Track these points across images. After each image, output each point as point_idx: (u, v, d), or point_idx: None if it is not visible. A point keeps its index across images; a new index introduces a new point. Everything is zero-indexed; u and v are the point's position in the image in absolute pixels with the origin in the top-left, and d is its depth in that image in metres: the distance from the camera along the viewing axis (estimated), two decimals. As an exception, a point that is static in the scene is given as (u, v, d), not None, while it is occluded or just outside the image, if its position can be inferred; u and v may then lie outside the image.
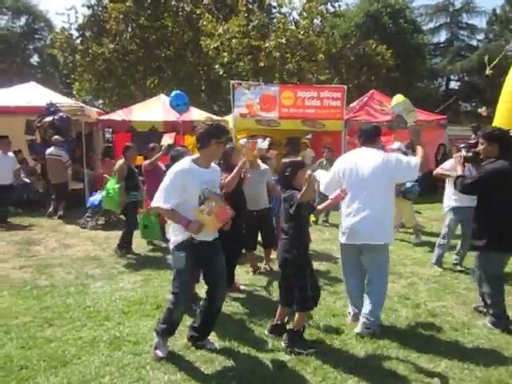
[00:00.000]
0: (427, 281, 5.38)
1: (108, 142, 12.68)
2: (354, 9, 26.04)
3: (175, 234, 3.40)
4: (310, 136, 13.76)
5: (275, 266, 5.43)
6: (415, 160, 3.93)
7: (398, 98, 5.65)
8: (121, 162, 6.43)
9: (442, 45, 33.12)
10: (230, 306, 4.47)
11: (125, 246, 6.45)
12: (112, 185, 6.33)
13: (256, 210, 5.36)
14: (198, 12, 16.46)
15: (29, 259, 6.21)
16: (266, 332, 3.81)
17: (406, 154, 7.81)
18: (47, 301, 4.61)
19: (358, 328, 3.83)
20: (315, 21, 17.76)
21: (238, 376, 3.20)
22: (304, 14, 15.28)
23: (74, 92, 19.61)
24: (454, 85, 33.06)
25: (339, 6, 18.62)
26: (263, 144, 5.20)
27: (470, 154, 4.24)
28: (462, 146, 6.28)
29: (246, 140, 6.20)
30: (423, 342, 3.72)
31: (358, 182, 3.86)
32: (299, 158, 3.82)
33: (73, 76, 18.50)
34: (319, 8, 15.54)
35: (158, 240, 7.00)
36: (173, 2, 16.66)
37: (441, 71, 31.04)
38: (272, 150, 11.71)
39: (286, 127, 11.79)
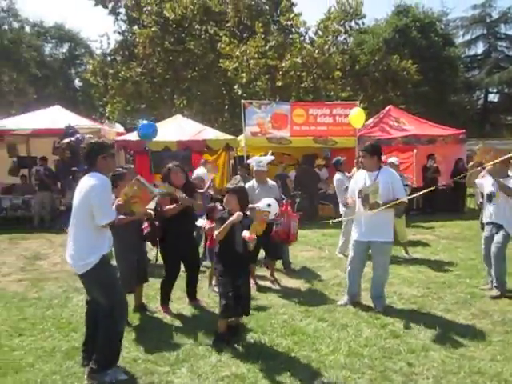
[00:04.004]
0: (406, 301, 5.26)
1: (128, 163, 13.20)
2: (382, 25, 25.84)
3: (89, 255, 3.29)
4: (328, 153, 13.69)
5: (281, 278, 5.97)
6: None
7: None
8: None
9: (479, 57, 32.17)
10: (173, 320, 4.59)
11: None
12: None
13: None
14: (220, 34, 16.98)
15: (29, 273, 6.62)
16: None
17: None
18: (28, 312, 4.92)
19: None
20: (338, 38, 17.92)
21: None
22: (319, 32, 15.44)
23: (107, 114, 20.61)
24: (492, 97, 31.92)
25: (363, 23, 18.60)
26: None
27: None
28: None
29: (254, 158, 6.37)
30: (370, 363, 3.67)
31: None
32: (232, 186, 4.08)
33: (104, 99, 19.50)
34: (336, 27, 15.65)
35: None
36: (196, 26, 17.32)
37: (478, 84, 30.10)
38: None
39: (297, 145, 11.87)
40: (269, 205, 4.02)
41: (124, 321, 3.56)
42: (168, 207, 4.62)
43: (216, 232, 3.96)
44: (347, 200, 5.40)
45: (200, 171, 10.31)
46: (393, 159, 7.48)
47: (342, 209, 7.60)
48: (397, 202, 4.74)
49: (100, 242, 3.37)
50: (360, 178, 5.04)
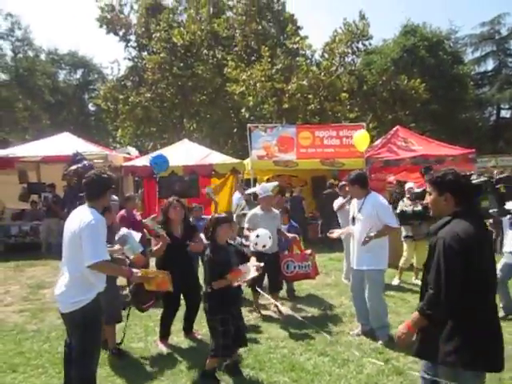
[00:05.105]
0: (412, 332, 5.06)
1: (139, 187, 13.25)
2: (390, 45, 25.97)
3: (82, 292, 3.20)
4: (336, 173, 13.57)
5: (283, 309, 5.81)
6: None
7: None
8: None
9: (489, 73, 32.01)
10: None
11: None
12: None
13: (267, 254, 5.30)
14: (228, 58, 17.20)
15: (31, 303, 6.58)
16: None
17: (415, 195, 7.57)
18: (25, 346, 4.85)
19: None
20: (346, 59, 18.01)
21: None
22: (325, 55, 15.52)
23: (118, 138, 20.89)
24: (505, 113, 31.64)
25: (370, 43, 18.68)
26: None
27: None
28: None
29: (259, 186, 6.37)
30: (369, 403, 3.51)
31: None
32: (223, 215, 4.00)
33: (115, 123, 19.80)
34: (342, 48, 15.73)
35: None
36: (204, 51, 17.59)
37: (489, 100, 29.88)
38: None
39: (304, 167, 11.80)
40: (257, 236, 4.00)
41: (97, 362, 3.38)
42: (155, 248, 4.66)
43: (216, 283, 3.76)
44: (332, 233, 5.60)
45: (237, 196, 10.12)
46: (410, 184, 7.42)
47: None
48: (380, 232, 4.71)
49: (98, 278, 3.25)
50: (353, 206, 5.16)
